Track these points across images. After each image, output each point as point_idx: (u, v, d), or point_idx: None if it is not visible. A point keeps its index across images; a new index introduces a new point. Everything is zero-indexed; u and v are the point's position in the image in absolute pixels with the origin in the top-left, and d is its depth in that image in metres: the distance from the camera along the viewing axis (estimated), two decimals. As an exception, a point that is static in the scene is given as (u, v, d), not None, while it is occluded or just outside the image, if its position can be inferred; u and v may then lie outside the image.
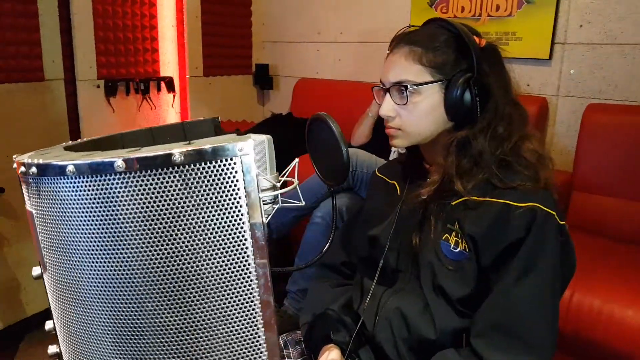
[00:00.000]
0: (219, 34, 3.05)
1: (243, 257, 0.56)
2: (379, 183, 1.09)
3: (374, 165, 1.76)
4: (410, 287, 0.91)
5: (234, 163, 0.55)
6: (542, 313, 0.79)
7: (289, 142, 2.18)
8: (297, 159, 0.79)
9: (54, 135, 2.44)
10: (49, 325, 0.70)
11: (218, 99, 3.09)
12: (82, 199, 0.54)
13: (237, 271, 0.56)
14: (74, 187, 0.54)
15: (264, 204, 0.62)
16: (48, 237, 0.59)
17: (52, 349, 0.69)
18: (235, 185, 0.55)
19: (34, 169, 0.56)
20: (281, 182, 0.73)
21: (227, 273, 0.56)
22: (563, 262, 0.81)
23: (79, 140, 0.80)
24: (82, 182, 0.54)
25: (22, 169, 0.58)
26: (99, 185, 0.54)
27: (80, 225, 0.55)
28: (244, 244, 0.56)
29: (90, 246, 0.56)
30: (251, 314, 0.56)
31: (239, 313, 0.56)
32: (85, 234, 0.55)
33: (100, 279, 0.56)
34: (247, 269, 0.56)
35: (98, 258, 0.56)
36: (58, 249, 0.58)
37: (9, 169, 2.04)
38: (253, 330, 0.56)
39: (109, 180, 0.53)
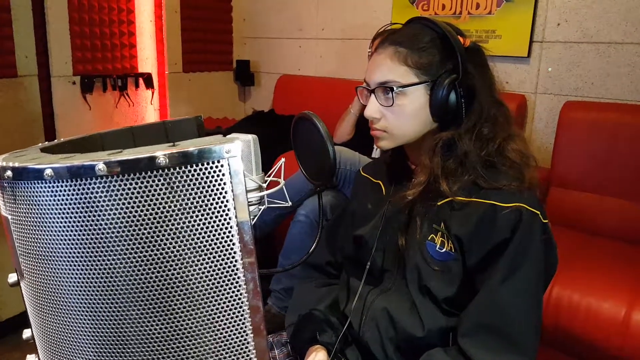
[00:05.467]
0: (199, 29, 3.01)
1: (231, 262, 0.55)
2: (364, 182, 1.08)
3: (357, 163, 1.76)
4: (396, 287, 0.91)
5: (221, 165, 0.54)
6: (527, 312, 0.80)
7: (271, 140, 2.16)
8: (283, 159, 0.78)
9: (27, 134, 2.37)
10: (26, 334, 0.67)
11: (198, 96, 3.04)
12: (61, 204, 0.52)
13: (225, 276, 0.54)
14: (52, 191, 0.52)
15: (250, 205, 0.61)
16: (25, 244, 0.56)
17: (30, 358, 0.67)
18: (222, 188, 0.54)
19: (9, 173, 0.53)
20: (267, 182, 0.72)
21: (215, 279, 0.54)
22: (546, 259, 0.82)
23: (55, 140, 0.77)
24: (61, 186, 0.52)
25: (-4, 173, 0.55)
26: (79, 189, 0.52)
27: (59, 231, 0.53)
28: (231, 249, 0.55)
29: (70, 253, 0.54)
30: (240, 320, 0.55)
31: (227, 319, 0.54)
32: (65, 240, 0.53)
33: (81, 286, 0.54)
34: (236, 274, 0.55)
35: (79, 265, 0.54)
36: (36, 256, 0.56)
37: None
38: (242, 336, 0.55)
39: (90, 184, 0.51)
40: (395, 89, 0.88)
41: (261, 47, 3.24)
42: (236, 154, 0.55)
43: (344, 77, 2.87)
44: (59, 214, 0.53)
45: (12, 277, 0.64)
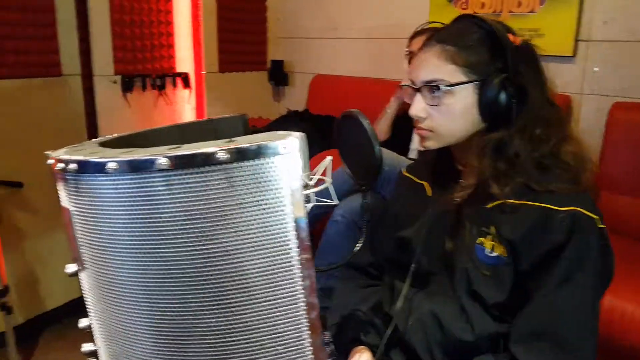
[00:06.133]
0: (235, 30, 3.04)
1: (287, 258, 0.55)
2: (406, 183, 1.07)
3: (396, 163, 1.74)
4: (443, 290, 0.89)
5: (278, 161, 0.54)
6: (583, 320, 0.77)
7: (307, 139, 2.17)
8: (329, 158, 0.77)
9: (71, 130, 2.44)
10: (83, 323, 0.69)
11: (233, 96, 3.08)
12: (123, 197, 0.53)
13: (281, 272, 0.54)
14: (114, 184, 0.53)
15: (301, 203, 0.61)
16: (86, 235, 0.58)
17: (87, 346, 0.69)
18: (278, 184, 0.54)
19: (73, 166, 0.55)
20: (314, 180, 0.72)
21: (271, 274, 0.54)
22: (603, 267, 0.79)
23: (109, 136, 0.78)
24: (123, 179, 0.53)
25: (60, 165, 0.56)
26: (140, 183, 0.52)
27: (120, 223, 0.54)
28: (287, 245, 0.54)
29: (130, 244, 0.54)
30: (295, 317, 0.55)
31: (283, 315, 0.54)
32: (126, 232, 0.54)
33: (140, 278, 0.55)
34: (291, 270, 0.55)
35: (138, 256, 0.54)
36: (97, 247, 0.57)
37: (28, 164, 2.05)
38: (297, 333, 0.55)
39: (151, 178, 0.52)
40: (442, 87, 0.86)
41: (295, 47, 3.26)
42: (293, 150, 0.55)
43: (379, 77, 2.85)
44: (121, 206, 0.53)
45: (71, 268, 0.65)
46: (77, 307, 2.35)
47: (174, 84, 2.78)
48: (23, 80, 2.23)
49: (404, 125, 2.00)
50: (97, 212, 0.55)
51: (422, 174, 1.04)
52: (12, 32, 2.16)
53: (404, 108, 2.10)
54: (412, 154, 2.01)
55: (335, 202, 0.78)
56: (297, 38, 3.24)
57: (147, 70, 2.65)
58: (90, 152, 0.57)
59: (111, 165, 0.52)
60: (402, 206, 1.03)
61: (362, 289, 1.05)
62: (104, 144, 0.66)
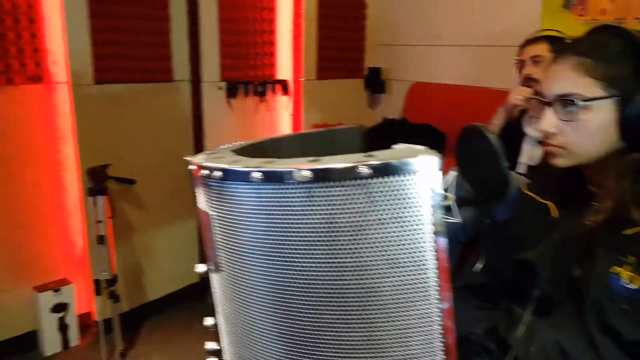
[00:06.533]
0: (334, 38, 3.08)
1: (423, 278, 0.53)
2: (527, 202, 1.00)
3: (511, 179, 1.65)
4: (570, 320, 0.83)
5: (419, 178, 0.52)
6: None
7: (385, 147, 2.13)
8: (453, 173, 0.75)
9: (180, 132, 2.61)
10: (208, 321, 0.72)
11: (329, 102, 3.11)
12: (264, 205, 0.55)
13: (417, 292, 0.53)
14: (257, 193, 0.54)
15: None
16: (225, 239, 0.60)
17: (210, 345, 0.71)
18: (418, 202, 0.52)
19: (218, 173, 0.57)
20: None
21: (406, 293, 0.53)
22: None
23: (238, 143, 0.81)
24: (266, 189, 0.54)
25: (204, 172, 0.59)
26: (282, 193, 0.53)
27: (259, 230, 0.56)
28: (424, 264, 0.53)
29: (268, 252, 0.56)
30: (430, 340, 0.53)
31: (417, 336, 0.53)
32: (264, 239, 0.56)
33: (275, 285, 0.56)
34: (427, 291, 0.53)
35: (275, 264, 0.55)
36: (234, 251, 0.59)
37: (140, 162, 2.21)
38: (431, 356, 0.53)
39: (293, 189, 0.53)
40: (578, 102, 0.80)
41: (394, 54, 3.23)
42: (434, 167, 0.53)
43: (482, 85, 2.75)
44: (261, 214, 0.55)
45: (201, 268, 0.68)
46: (175, 301, 2.49)
47: (274, 91, 2.87)
48: (138, 85, 2.42)
49: (510, 137, 1.91)
50: (238, 218, 0.57)
51: (545, 193, 0.97)
52: (130, 39, 2.35)
53: (510, 118, 2.00)
54: (521, 169, 1.90)
55: (458, 219, 0.75)
56: (395, 45, 3.22)
57: (250, 77, 2.75)
58: (232, 160, 0.59)
59: (256, 175, 0.53)
60: (523, 226, 0.97)
61: (474, 311, 1.00)
62: (237, 151, 0.69)
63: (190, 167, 0.63)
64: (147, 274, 2.58)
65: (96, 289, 2.22)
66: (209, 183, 0.59)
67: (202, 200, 0.62)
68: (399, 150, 0.56)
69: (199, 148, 2.67)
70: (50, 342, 2.27)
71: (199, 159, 0.63)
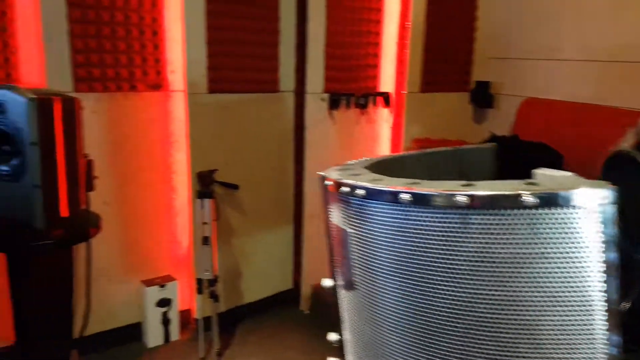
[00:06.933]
0: (441, 50, 3.00)
1: (588, 320, 0.47)
2: None
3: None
4: None
5: (591, 211, 0.46)
6: None
7: (516, 169, 2.01)
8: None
9: (282, 141, 2.67)
10: (332, 336, 0.70)
11: (432, 116, 3.03)
12: (410, 228, 0.52)
13: (580, 334, 0.47)
14: (404, 215, 0.52)
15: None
16: (363, 257, 0.58)
17: (332, 361, 0.69)
18: (588, 237, 0.46)
19: (361, 192, 0.55)
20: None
21: (568, 334, 0.47)
22: None
23: (364, 159, 0.79)
24: (414, 211, 0.51)
25: (345, 189, 0.57)
26: (432, 217, 0.50)
27: (402, 253, 0.53)
28: (590, 305, 0.47)
29: (410, 276, 0.53)
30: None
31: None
32: (408, 263, 0.53)
33: (416, 312, 0.53)
34: (592, 334, 0.47)
35: (417, 290, 0.52)
36: (372, 270, 0.57)
37: (243, 169, 2.27)
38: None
39: (445, 213, 0.49)
40: None
41: (505, 68, 3.07)
42: (607, 201, 0.47)
43: (604, 104, 2.52)
44: (406, 237, 0.52)
45: (327, 282, 0.67)
46: (269, 305, 2.51)
47: (375, 103, 2.84)
48: (247, 95, 2.52)
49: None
50: (379, 238, 0.55)
51: None
52: (242, 51, 2.45)
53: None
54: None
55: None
56: (507, 58, 3.06)
57: (352, 89, 2.75)
58: (373, 178, 0.57)
59: (405, 197, 0.51)
60: None
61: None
62: (367, 167, 0.67)
63: (327, 182, 0.62)
64: (245, 276, 2.66)
65: (198, 288, 2.32)
66: (349, 200, 0.57)
67: (338, 216, 0.61)
68: (561, 179, 0.51)
69: (299, 158, 2.71)
70: (154, 335, 2.40)
71: (334, 175, 0.62)
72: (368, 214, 0.55)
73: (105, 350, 2.30)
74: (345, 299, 0.64)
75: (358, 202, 0.56)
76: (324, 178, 0.63)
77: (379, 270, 0.56)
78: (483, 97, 3.10)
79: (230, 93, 2.46)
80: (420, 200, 0.50)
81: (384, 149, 2.89)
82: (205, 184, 2.32)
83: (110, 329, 2.34)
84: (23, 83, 2.05)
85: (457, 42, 3.08)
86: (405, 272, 0.53)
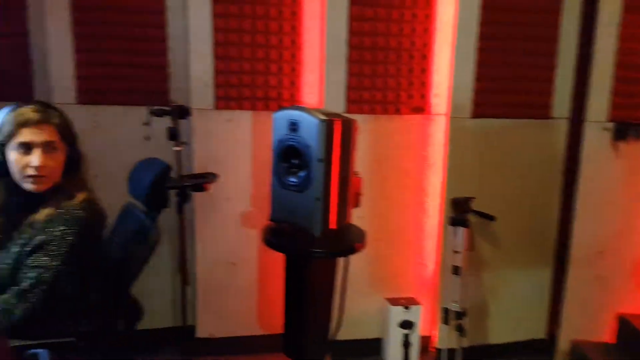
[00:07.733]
0: None
1: None
2: None
3: None
4: None
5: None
6: None
7: None
8: None
9: (546, 171, 2.41)
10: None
11: None
12: None
13: None
14: None
15: None
16: None
17: None
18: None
19: None
20: None
21: None
22: None
23: None
24: None
25: None
26: None
27: None
28: None
29: None
30: None
31: None
32: None
33: None
34: None
35: None
36: None
37: (501, 198, 2.06)
38: None
39: None
40: None
41: None
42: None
43: None
44: None
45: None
46: (517, 351, 2.21)
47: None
48: (512, 121, 2.35)
49: None
50: None
51: None
52: (512, 74, 2.29)
53: None
54: None
55: None
56: None
57: (645, 117, 2.32)
58: None
59: None
60: None
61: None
62: None
63: None
64: (491, 314, 2.47)
65: (444, 318, 2.24)
66: None
67: None
68: None
69: (568, 193, 2.40)
70: (393, 354, 2.41)
71: None
72: None
73: (348, 358, 2.39)
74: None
75: None
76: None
77: None
78: None
79: (495, 118, 2.34)
80: None
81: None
82: (460, 211, 2.23)
83: (353, 339, 2.43)
84: (304, 104, 2.31)
85: None
86: None
